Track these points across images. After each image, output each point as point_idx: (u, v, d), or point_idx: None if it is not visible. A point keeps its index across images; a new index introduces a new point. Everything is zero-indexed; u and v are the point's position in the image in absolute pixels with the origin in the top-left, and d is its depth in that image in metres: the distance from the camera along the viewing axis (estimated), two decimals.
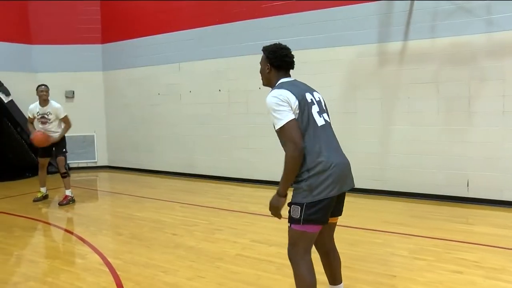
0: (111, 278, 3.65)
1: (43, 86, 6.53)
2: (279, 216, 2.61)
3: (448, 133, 6.09)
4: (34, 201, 6.81)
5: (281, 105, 2.47)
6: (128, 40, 9.75)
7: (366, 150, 6.74)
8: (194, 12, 8.53)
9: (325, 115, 2.67)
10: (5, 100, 8.75)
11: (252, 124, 7.82)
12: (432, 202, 6.12)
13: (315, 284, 2.58)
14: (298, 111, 2.49)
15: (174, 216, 5.75)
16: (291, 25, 7.31)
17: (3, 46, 9.28)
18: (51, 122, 6.49)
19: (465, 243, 4.34)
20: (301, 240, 2.55)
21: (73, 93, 10.05)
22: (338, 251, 4.01)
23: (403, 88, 6.38)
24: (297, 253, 2.57)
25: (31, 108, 6.58)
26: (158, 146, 9.32)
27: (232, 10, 8.01)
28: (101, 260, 4.09)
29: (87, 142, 10.23)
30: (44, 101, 6.50)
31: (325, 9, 6.95)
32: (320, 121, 2.58)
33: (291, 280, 3.48)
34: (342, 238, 4.57)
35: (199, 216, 5.70)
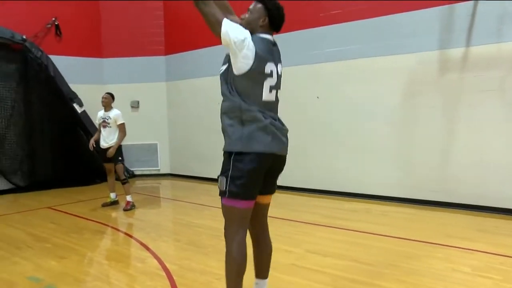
0: (167, 282, 3.80)
1: (104, 94, 7.07)
2: None
3: None
4: (103, 206, 7.23)
5: (240, 29, 2.43)
6: (190, 51, 10.11)
7: (427, 160, 6.51)
8: None
9: (277, 92, 2.59)
10: (79, 110, 9.39)
11: (309, 133, 7.81)
12: (500, 216, 5.77)
13: (243, 265, 2.55)
14: (249, 68, 2.41)
15: None
16: (349, 33, 7.24)
17: (78, 61, 10.00)
18: (111, 127, 6.89)
19: None
20: (230, 217, 2.51)
21: (138, 103, 10.59)
22: (395, 264, 3.89)
23: (465, 96, 6.10)
24: (228, 231, 2.56)
25: (98, 113, 7.09)
26: (218, 154, 9.47)
27: (290, 19, 8.02)
28: (159, 265, 4.26)
29: (151, 150, 10.72)
30: (106, 107, 6.96)
31: (384, 17, 6.82)
32: (267, 96, 2.51)
33: None
34: (399, 251, 4.48)
35: None
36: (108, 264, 4.51)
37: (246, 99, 2.44)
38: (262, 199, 2.74)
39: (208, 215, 6.51)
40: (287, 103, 8.17)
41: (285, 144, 2.64)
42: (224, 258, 3.78)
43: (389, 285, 3.59)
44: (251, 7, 2.60)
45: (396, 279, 3.72)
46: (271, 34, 2.64)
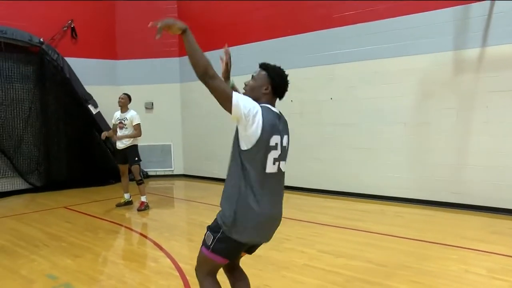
0: (180, 282, 3.83)
1: (121, 94, 7.14)
2: (160, 25, 2.45)
3: None
4: (117, 206, 7.30)
5: (250, 103, 2.37)
6: (204, 53, 10.12)
7: (442, 161, 6.45)
8: (266, 24, 8.71)
9: (282, 163, 2.53)
10: (94, 111, 9.51)
11: (324, 135, 7.80)
12: None
13: None
14: (255, 143, 2.36)
15: None
16: (363, 34, 7.21)
17: (94, 63, 10.14)
18: (127, 128, 6.94)
19: None
20: (206, 264, 2.58)
21: (152, 104, 10.67)
22: (409, 265, 3.88)
23: (480, 97, 6.03)
24: (201, 273, 2.63)
25: (114, 114, 7.15)
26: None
27: (303, 21, 8.07)
28: (172, 265, 4.30)
29: (165, 151, 10.80)
30: (122, 108, 7.03)
31: (398, 18, 6.78)
32: (270, 168, 2.44)
33: None
34: (413, 252, 4.45)
35: None
36: (122, 263, 4.56)
37: (249, 171, 2.40)
38: (242, 254, 2.76)
39: None
40: (301, 104, 8.23)
41: (271, 235, 2.61)
42: None
43: (402, 286, 3.57)
44: (255, 74, 2.61)
45: (409, 280, 3.70)
46: (274, 102, 2.62)
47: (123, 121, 6.96)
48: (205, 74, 2.35)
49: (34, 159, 9.10)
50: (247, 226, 2.41)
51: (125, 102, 7.03)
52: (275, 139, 2.44)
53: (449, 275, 3.80)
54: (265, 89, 2.53)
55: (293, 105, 8.26)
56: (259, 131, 2.35)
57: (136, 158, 7.04)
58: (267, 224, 2.52)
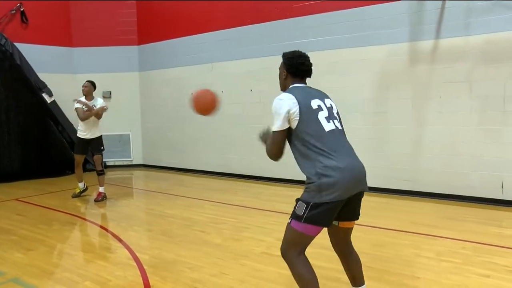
0: (138, 272, 3.79)
1: (85, 83, 6.91)
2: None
3: (481, 134, 5.92)
4: (73, 197, 7.11)
5: (277, 113, 2.56)
6: (163, 41, 9.99)
7: (397, 150, 6.66)
8: (226, 13, 8.65)
9: (335, 121, 2.64)
10: (48, 100, 9.17)
11: None
12: (464, 204, 5.97)
13: (315, 280, 2.55)
14: (298, 117, 2.52)
15: (204, 214, 5.87)
16: (321, 24, 7.29)
17: (47, 50, 9.74)
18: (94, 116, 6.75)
19: (497, 247, 4.22)
20: (298, 240, 2.53)
21: (110, 93, 10.41)
22: (363, 251, 3.99)
23: (435, 87, 6.25)
24: (292, 253, 2.54)
25: (78, 104, 6.74)
26: (191, 145, 9.50)
27: (263, 10, 8.07)
28: (130, 255, 4.24)
29: (123, 141, 10.58)
30: (87, 96, 6.81)
31: (355, 8, 6.90)
32: (328, 126, 2.55)
33: None
34: (367, 238, 4.57)
35: (228, 214, 5.79)
36: (77, 255, 4.45)
37: (309, 142, 2.49)
38: (345, 224, 2.76)
39: (180, 205, 6.49)
40: (261, 95, 8.24)
41: (362, 183, 2.61)
42: (196, 247, 3.76)
43: None
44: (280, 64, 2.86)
45: (365, 266, 3.72)
46: (303, 81, 2.82)
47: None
48: (272, 159, 2.78)
49: None
50: (333, 181, 2.40)
51: (89, 89, 6.81)
52: (315, 102, 2.61)
53: (402, 259, 3.95)
54: (285, 75, 2.79)
55: (253, 94, 8.28)
56: (297, 111, 2.51)
57: (102, 148, 6.91)
58: (351, 173, 2.50)
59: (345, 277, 3.33)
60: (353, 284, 2.93)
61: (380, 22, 6.67)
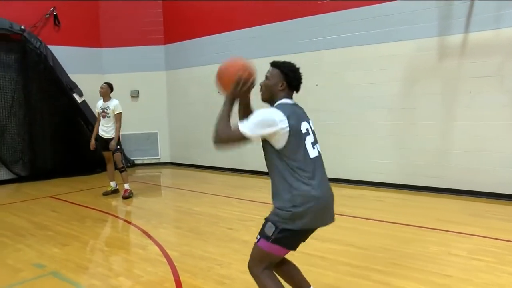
0: (168, 268, 3.88)
1: (102, 84, 7.10)
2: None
3: None
4: (104, 194, 7.31)
5: (267, 121, 2.42)
6: (189, 40, 10.10)
7: (425, 146, 6.57)
8: (252, 11, 8.69)
9: (317, 146, 2.60)
10: (79, 100, 9.43)
11: None
12: (494, 201, 5.85)
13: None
14: (286, 140, 2.42)
15: (231, 211, 5.95)
16: (348, 21, 7.24)
17: (78, 51, 10.01)
18: (110, 116, 6.95)
19: None
20: (264, 258, 2.53)
21: (138, 92, 10.61)
22: (389, 248, 3.99)
23: (464, 82, 6.13)
24: (257, 268, 2.54)
25: (98, 103, 7.13)
26: None
27: (289, 7, 8.06)
28: (160, 252, 4.35)
29: (151, 139, 10.77)
30: (104, 97, 7.01)
31: (382, 3, 6.82)
32: (312, 153, 2.51)
33: (341, 276, 3.56)
34: (394, 235, 4.56)
35: (254, 211, 5.85)
36: (109, 251, 4.59)
37: (295, 164, 2.44)
38: None
39: (207, 202, 6.59)
40: None
41: (331, 214, 2.64)
42: (224, 244, 3.82)
43: (385, 269, 3.67)
44: (268, 73, 2.69)
45: (390, 263, 3.80)
46: (291, 95, 2.71)
47: (105, 110, 6.96)
48: (216, 141, 2.49)
49: (19, 148, 9.01)
50: (308, 211, 2.40)
51: (105, 91, 6.99)
52: (304, 126, 2.54)
53: (429, 257, 3.91)
54: (281, 86, 2.63)
55: None
56: (286, 129, 2.40)
57: (118, 146, 7.04)
58: (325, 204, 2.53)
59: (374, 275, 3.36)
60: None
61: (407, 17, 6.58)
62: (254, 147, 9.64)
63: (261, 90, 2.69)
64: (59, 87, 9.23)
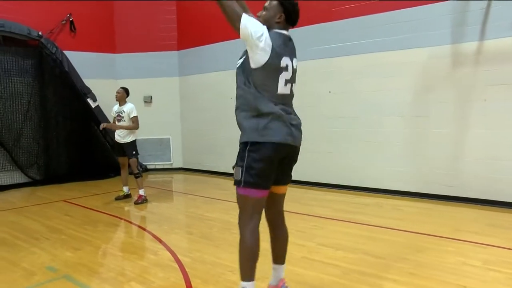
0: (180, 274, 3.87)
1: (118, 88, 7.16)
2: None
3: None
4: (116, 199, 7.34)
5: (258, 26, 2.49)
6: (202, 46, 10.16)
7: (439, 154, 6.48)
8: None
9: (292, 85, 2.66)
10: (93, 105, 9.52)
11: (322, 128, 7.82)
12: (511, 211, 5.74)
13: (256, 251, 2.59)
14: (266, 62, 2.47)
15: None
16: (361, 28, 7.22)
17: (92, 56, 10.14)
18: (125, 121, 6.97)
19: None
20: (245, 204, 2.56)
21: (151, 98, 10.68)
22: (406, 257, 3.92)
23: (479, 90, 6.05)
24: (242, 219, 2.60)
25: (113, 107, 7.18)
26: (230, 149, 9.52)
27: (302, 14, 8.00)
28: (171, 257, 4.34)
29: (164, 144, 10.82)
30: (120, 101, 7.04)
31: (396, 11, 6.79)
32: (282, 90, 2.57)
33: (357, 285, 3.50)
34: (410, 244, 4.49)
35: None
36: (121, 256, 4.60)
37: (262, 92, 2.52)
38: (277, 189, 2.81)
39: (219, 208, 6.57)
40: (300, 97, 8.18)
41: (298, 136, 2.72)
42: (236, 251, 3.79)
43: (400, 278, 3.61)
44: (266, 4, 2.67)
45: (407, 272, 3.73)
46: (287, 29, 2.70)
47: (120, 114, 6.99)
48: (229, 16, 2.50)
49: (34, 152, 9.12)
50: (273, 126, 2.48)
51: (121, 96, 7.04)
52: (285, 61, 2.56)
53: (446, 267, 3.84)
54: (278, 18, 2.64)
55: (294, 97, 8.27)
56: (268, 51, 2.45)
57: (134, 152, 7.05)
58: (291, 123, 2.59)
59: (387, 284, 3.30)
60: (274, 261, 2.94)
61: (421, 24, 6.54)
62: None
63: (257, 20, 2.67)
64: (73, 92, 9.34)
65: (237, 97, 2.63)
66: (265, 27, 2.52)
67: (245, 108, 2.56)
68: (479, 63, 6.04)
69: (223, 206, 6.71)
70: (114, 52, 10.69)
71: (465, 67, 6.17)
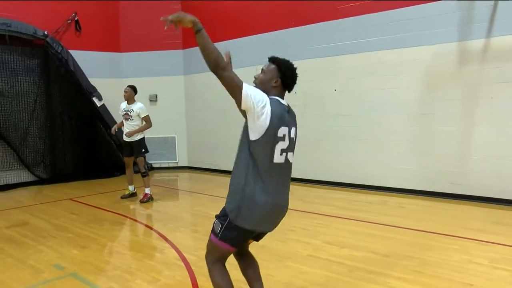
0: (186, 272, 3.89)
1: (126, 87, 7.13)
2: (170, 18, 2.48)
3: None
4: (122, 198, 7.36)
5: (259, 94, 2.42)
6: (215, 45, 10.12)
7: (445, 152, 6.46)
8: (269, 16, 8.70)
9: (290, 154, 2.57)
10: (98, 104, 9.56)
11: (327, 126, 7.81)
12: None
13: (227, 285, 2.63)
14: (263, 133, 2.41)
15: None
16: (366, 26, 7.20)
17: (97, 55, 10.17)
18: (133, 119, 6.96)
19: None
20: (215, 251, 2.63)
21: (156, 96, 10.70)
22: (411, 255, 3.92)
23: (485, 88, 6.02)
24: (210, 260, 2.67)
25: (121, 105, 7.16)
26: (234, 147, 9.56)
27: (307, 12, 8.05)
28: (177, 255, 4.36)
29: (169, 143, 10.85)
30: (128, 100, 7.04)
31: (402, 9, 6.76)
32: (278, 159, 2.49)
33: (362, 283, 3.50)
34: (415, 242, 4.48)
35: None
36: (127, 254, 4.62)
37: (257, 162, 2.46)
38: (250, 241, 2.84)
39: None
40: (305, 96, 8.23)
41: (277, 223, 2.67)
42: None
43: (406, 276, 3.61)
44: (264, 67, 2.65)
45: (412, 270, 3.73)
46: (283, 94, 2.66)
47: (129, 113, 6.99)
48: (216, 66, 2.40)
49: (40, 151, 9.17)
50: (253, 214, 2.47)
51: (130, 94, 7.03)
52: (282, 131, 2.49)
53: (451, 265, 3.84)
54: (275, 82, 2.58)
55: (297, 96, 8.26)
56: (267, 122, 2.40)
57: (143, 150, 7.07)
58: (273, 213, 2.57)
59: (392, 282, 3.31)
60: None
61: (427, 22, 6.50)
62: None
63: (254, 82, 2.64)
64: (79, 91, 9.38)
65: (237, 154, 2.62)
66: (266, 95, 2.47)
67: (240, 172, 2.54)
68: (486, 61, 6.01)
69: None
70: (119, 51, 10.72)
71: (472, 64, 6.14)
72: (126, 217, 6.27)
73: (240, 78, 2.41)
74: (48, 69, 9.09)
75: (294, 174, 8.10)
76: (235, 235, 2.54)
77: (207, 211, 6.32)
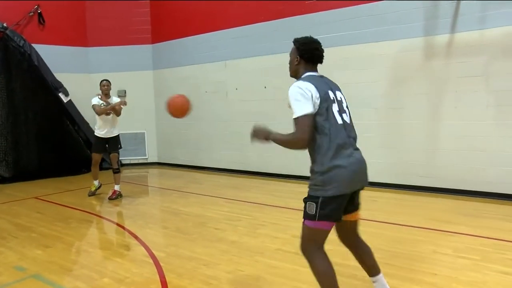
0: (154, 269, 3.82)
1: (104, 81, 6.92)
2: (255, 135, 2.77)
3: (499, 128, 5.82)
4: (89, 195, 7.18)
5: (302, 97, 2.50)
6: (176, 40, 10.02)
7: (413, 146, 6.59)
8: (239, 11, 8.64)
9: (344, 115, 2.65)
10: (65, 100, 9.27)
11: None
12: (481, 200, 5.89)
13: (333, 275, 2.60)
14: (318, 106, 2.51)
15: (219, 212, 5.88)
16: (335, 20, 7.24)
17: (63, 50, 9.87)
18: (112, 115, 6.83)
19: None
20: (314, 236, 2.58)
21: (125, 92, 10.48)
22: (380, 248, 3.97)
23: (450, 82, 6.16)
24: (310, 249, 2.61)
25: (96, 100, 6.82)
26: (205, 143, 9.53)
27: (276, 7, 8.04)
28: (146, 252, 4.28)
29: (138, 139, 10.66)
30: (106, 95, 6.86)
31: (369, 4, 6.84)
32: (339, 119, 2.58)
33: None
34: (384, 235, 4.55)
35: (243, 211, 5.80)
36: (95, 252, 4.51)
37: (324, 129, 2.51)
38: (350, 217, 2.79)
39: (195, 202, 6.52)
40: (275, 90, 8.22)
41: (365, 178, 2.72)
42: (211, 245, 3.76)
43: None
44: (291, 50, 2.80)
45: (382, 263, 3.72)
46: (315, 68, 2.80)
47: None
48: (297, 144, 2.56)
49: (2, 149, 8.82)
50: (338, 175, 2.47)
51: (110, 88, 6.89)
52: (331, 94, 2.62)
53: (419, 256, 3.91)
54: (297, 61, 2.75)
55: (267, 91, 8.27)
56: (317, 95, 2.51)
57: (120, 146, 6.99)
58: (355, 168, 2.57)
59: (360, 273, 3.33)
60: (369, 275, 2.95)
61: (394, 17, 6.60)
62: (249, 146, 9.56)
63: (289, 69, 2.84)
64: (44, 86, 9.06)
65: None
66: (300, 90, 2.55)
67: (314, 146, 2.58)
68: (451, 56, 6.14)
69: (198, 200, 6.67)
70: (86, 46, 10.43)
71: (437, 59, 6.27)
72: (94, 214, 6.12)
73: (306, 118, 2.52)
74: (8, 63, 8.73)
75: (265, 169, 8.09)
76: (333, 207, 2.49)
77: (177, 207, 6.26)
